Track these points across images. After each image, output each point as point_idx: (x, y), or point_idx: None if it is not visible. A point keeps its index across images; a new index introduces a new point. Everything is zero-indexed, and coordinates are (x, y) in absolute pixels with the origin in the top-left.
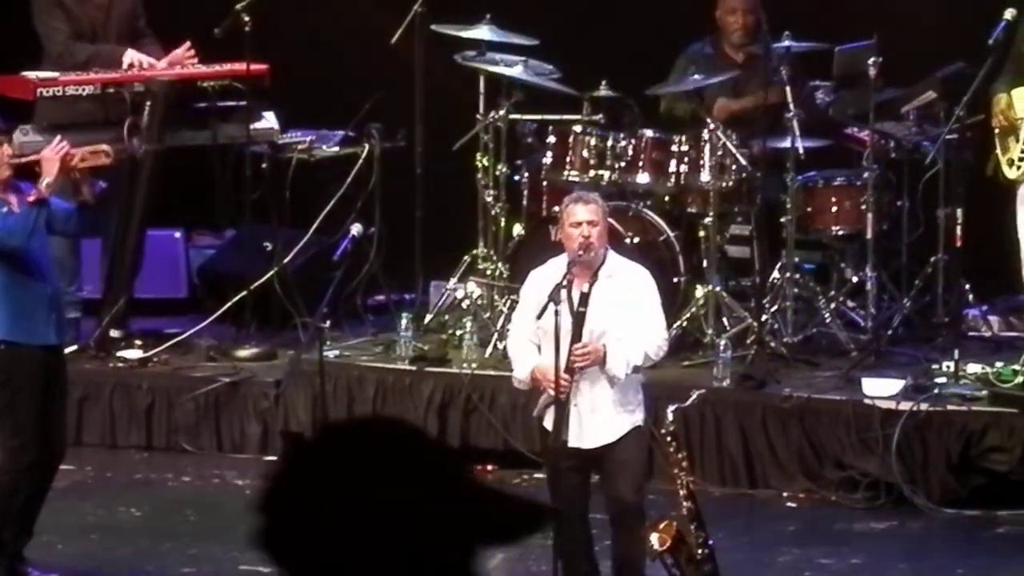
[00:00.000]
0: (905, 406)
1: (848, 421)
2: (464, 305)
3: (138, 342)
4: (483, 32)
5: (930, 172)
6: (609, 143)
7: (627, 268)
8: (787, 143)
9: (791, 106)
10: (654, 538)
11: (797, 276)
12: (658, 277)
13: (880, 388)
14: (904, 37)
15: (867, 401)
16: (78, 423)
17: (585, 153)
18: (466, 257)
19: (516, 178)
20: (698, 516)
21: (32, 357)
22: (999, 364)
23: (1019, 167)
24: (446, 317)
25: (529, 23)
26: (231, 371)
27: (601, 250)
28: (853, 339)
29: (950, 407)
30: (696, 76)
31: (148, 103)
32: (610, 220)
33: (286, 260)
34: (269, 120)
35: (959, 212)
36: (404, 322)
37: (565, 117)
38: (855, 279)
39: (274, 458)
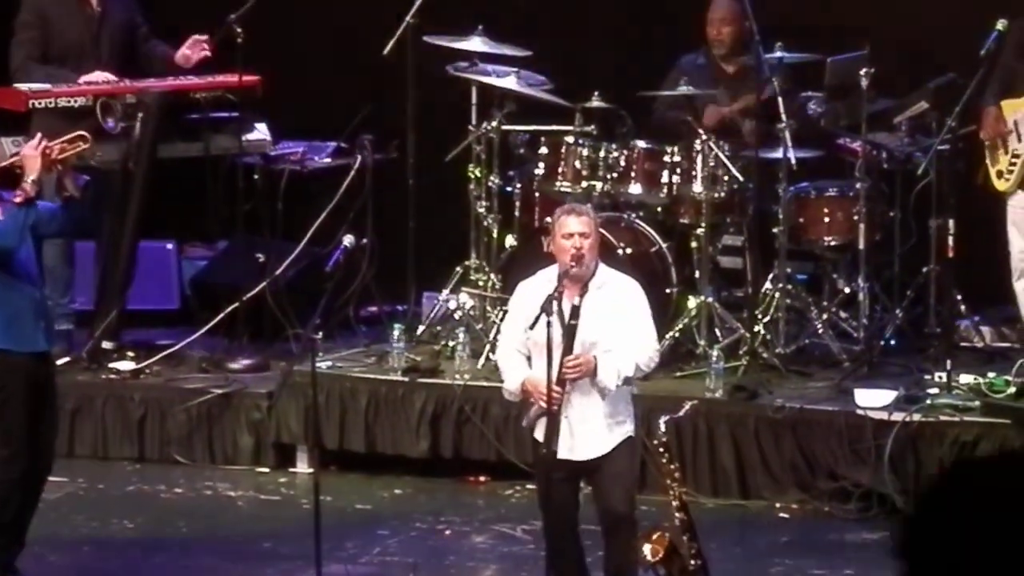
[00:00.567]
0: (898, 417)
1: (841, 432)
2: (457, 316)
3: (130, 353)
4: (475, 43)
5: (922, 183)
6: (601, 154)
7: (617, 280)
8: (779, 154)
9: (783, 117)
10: (647, 549)
11: (789, 287)
12: (650, 288)
13: (873, 399)
14: (896, 48)
15: (860, 412)
16: (70, 435)
17: (577, 164)
18: (458, 268)
19: (508, 189)
20: (691, 527)
21: (22, 364)
22: (991, 374)
23: (1007, 179)
24: (439, 328)
25: (521, 34)
26: (223, 382)
27: (592, 262)
28: (846, 350)
29: (943, 418)
30: (686, 88)
31: (140, 114)
32: (602, 231)
33: (278, 271)
34: (261, 131)
35: (951, 223)
36: (396, 333)
37: (557, 128)
38: (847, 290)
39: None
